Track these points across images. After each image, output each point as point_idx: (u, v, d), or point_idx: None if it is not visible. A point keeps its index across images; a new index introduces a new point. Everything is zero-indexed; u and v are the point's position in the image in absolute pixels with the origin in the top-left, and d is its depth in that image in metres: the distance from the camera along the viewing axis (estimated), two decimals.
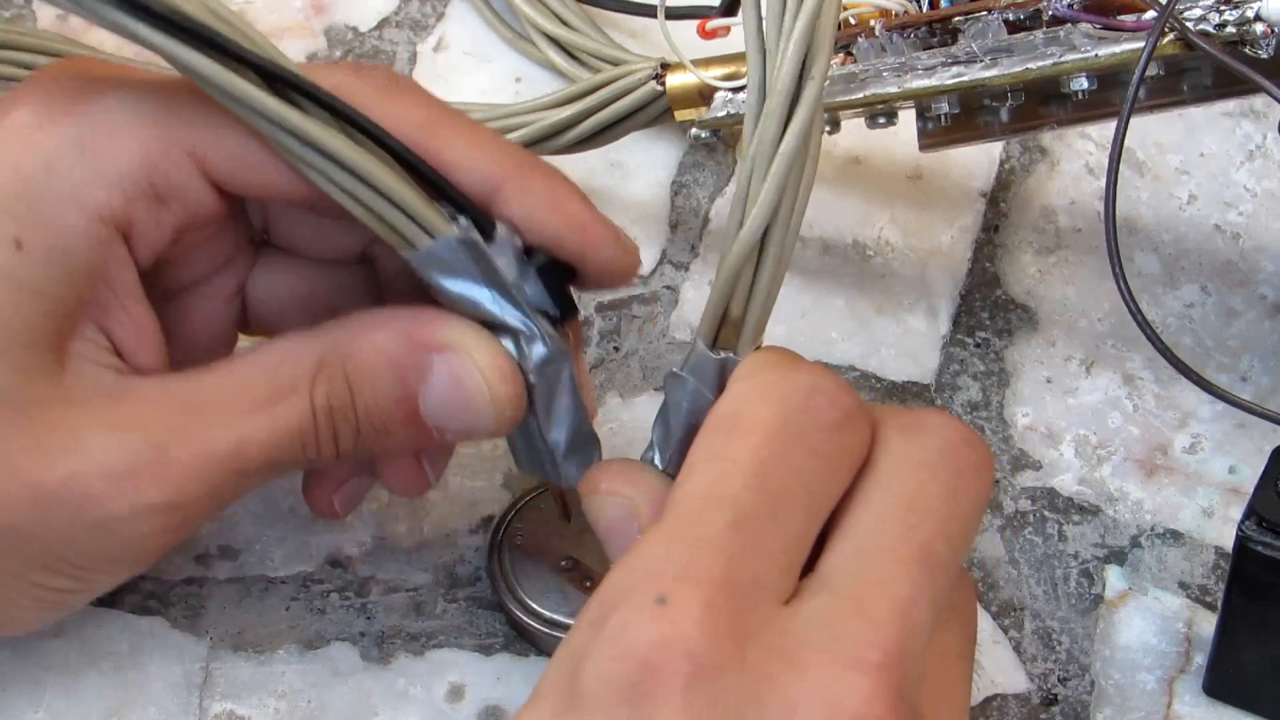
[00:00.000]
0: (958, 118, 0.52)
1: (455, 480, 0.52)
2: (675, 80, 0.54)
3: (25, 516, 0.42)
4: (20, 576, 0.43)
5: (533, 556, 0.50)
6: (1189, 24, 0.48)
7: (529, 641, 0.49)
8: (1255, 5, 0.47)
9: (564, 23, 0.60)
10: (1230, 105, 0.60)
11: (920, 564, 0.38)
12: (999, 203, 0.59)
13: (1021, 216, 0.58)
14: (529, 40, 0.61)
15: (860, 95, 0.51)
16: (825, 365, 0.55)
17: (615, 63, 0.58)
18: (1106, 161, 0.48)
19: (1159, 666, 0.49)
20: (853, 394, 0.41)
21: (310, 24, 0.64)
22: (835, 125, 0.53)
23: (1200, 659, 0.49)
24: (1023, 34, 0.50)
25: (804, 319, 0.56)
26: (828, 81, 0.51)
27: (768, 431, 0.39)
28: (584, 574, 0.49)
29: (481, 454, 0.53)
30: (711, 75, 0.53)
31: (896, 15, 0.51)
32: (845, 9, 0.52)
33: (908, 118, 0.53)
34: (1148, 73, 0.47)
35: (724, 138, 0.58)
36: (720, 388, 0.42)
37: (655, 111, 0.55)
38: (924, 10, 0.51)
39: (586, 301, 0.56)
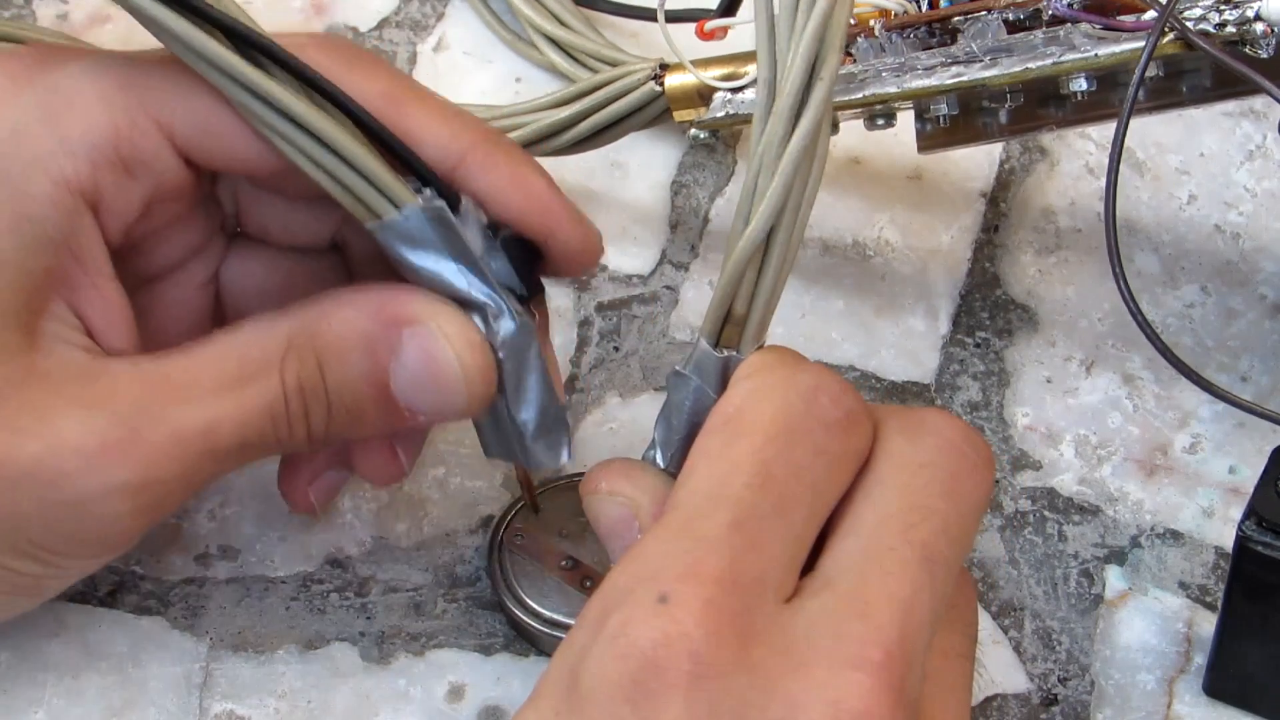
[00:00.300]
0: (956, 119, 0.52)
1: (455, 480, 0.52)
2: (674, 81, 0.54)
3: None
4: None
5: (533, 556, 0.50)
6: (1189, 24, 0.48)
7: (529, 641, 0.49)
8: (1255, 5, 0.47)
9: (563, 24, 0.60)
10: (1230, 105, 0.60)
11: (921, 563, 0.38)
12: (999, 203, 0.59)
13: (1021, 217, 0.58)
14: (528, 41, 0.61)
15: (860, 95, 0.51)
16: (825, 365, 0.55)
17: (614, 63, 0.58)
18: (1106, 162, 0.48)
19: (1159, 666, 0.49)
20: (854, 394, 0.41)
21: (310, 24, 0.64)
22: (835, 126, 0.53)
23: (1200, 659, 0.49)
24: (1022, 34, 0.50)
25: (804, 319, 0.56)
26: None
27: (770, 431, 0.39)
28: (584, 574, 0.49)
29: (481, 453, 0.53)
30: (711, 76, 0.53)
31: (896, 15, 0.51)
32: None
33: (907, 118, 0.53)
34: (1147, 73, 0.47)
35: (723, 138, 0.58)
36: (723, 387, 0.42)
37: (654, 112, 0.55)
38: (923, 10, 0.51)
39: (586, 302, 0.56)
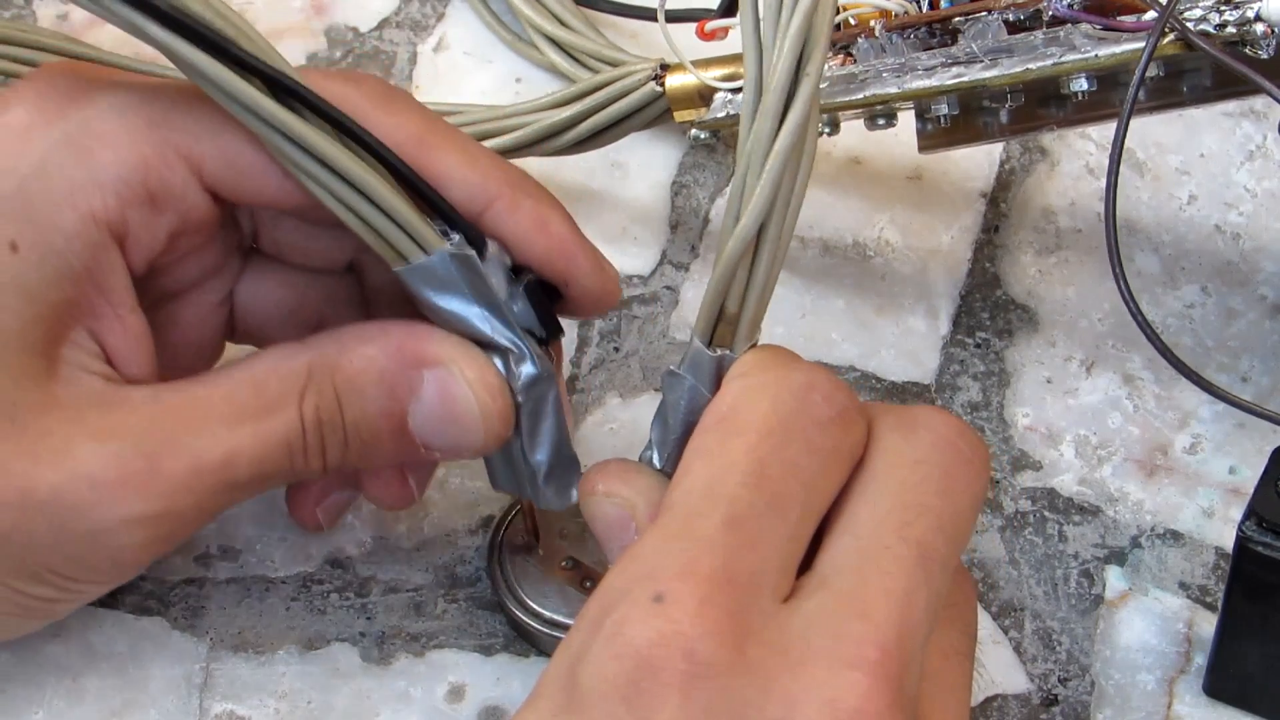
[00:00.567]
0: (957, 119, 0.52)
1: (455, 480, 0.52)
2: (675, 81, 0.54)
3: (12, 523, 0.42)
4: (3, 583, 0.43)
5: (533, 557, 0.50)
6: (1189, 24, 0.48)
7: (529, 642, 0.49)
8: (1255, 5, 0.47)
9: (563, 24, 0.60)
10: (1230, 106, 0.60)
11: (917, 560, 0.38)
12: (999, 203, 0.59)
13: (1021, 217, 0.58)
14: (528, 42, 0.61)
15: (860, 96, 0.51)
16: (825, 365, 0.55)
17: (615, 64, 0.58)
18: (1106, 162, 0.48)
19: (1159, 667, 0.49)
20: (848, 391, 0.41)
21: (310, 24, 0.64)
22: (835, 126, 0.53)
23: (1200, 659, 0.49)
24: (1023, 34, 0.50)
25: (804, 319, 0.56)
26: (827, 83, 0.51)
27: (763, 429, 0.39)
28: (584, 574, 0.49)
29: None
30: (711, 76, 0.53)
31: (896, 16, 0.51)
32: (845, 9, 0.52)
33: (907, 119, 0.53)
34: (1148, 73, 0.47)
35: (724, 138, 0.58)
36: (717, 386, 0.42)
37: (655, 112, 0.55)
38: (924, 11, 0.51)
39: None
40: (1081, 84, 0.49)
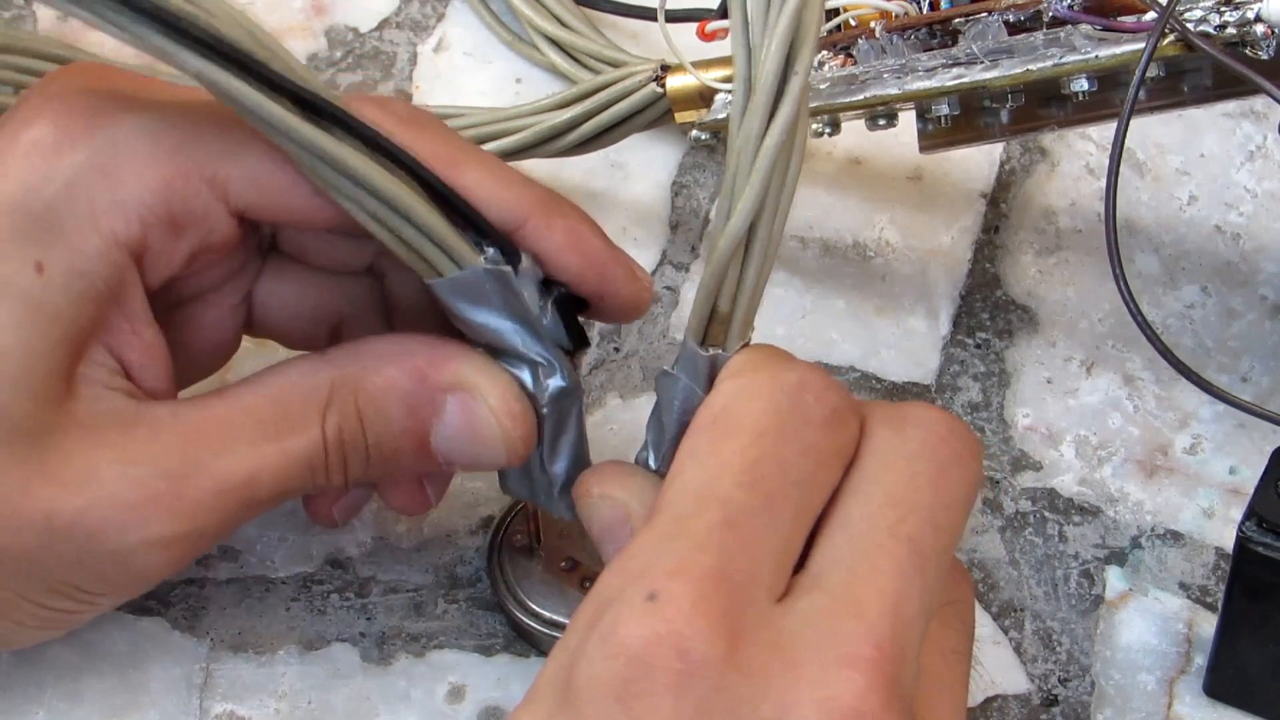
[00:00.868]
0: (958, 119, 0.52)
1: (456, 480, 0.52)
2: (676, 82, 0.54)
3: (36, 543, 0.42)
4: (26, 597, 0.44)
5: (533, 557, 0.50)
6: (1189, 25, 0.48)
7: (529, 642, 0.49)
8: (1255, 6, 0.47)
9: (563, 24, 0.60)
10: (1230, 106, 0.60)
11: (909, 556, 0.38)
12: (999, 203, 0.59)
13: (1022, 217, 0.58)
14: (529, 42, 0.61)
15: (861, 97, 0.51)
16: (826, 366, 0.55)
17: (615, 64, 0.58)
18: (1107, 162, 0.48)
19: (1159, 667, 0.49)
20: (840, 390, 0.41)
21: (310, 25, 0.64)
22: (836, 127, 0.53)
23: (1201, 660, 0.49)
24: (1023, 35, 0.50)
25: (804, 320, 0.56)
26: (828, 83, 0.51)
27: (756, 429, 0.39)
28: (584, 575, 0.49)
29: None
30: (712, 77, 0.53)
31: (897, 17, 0.51)
32: (845, 10, 0.52)
33: (908, 119, 0.53)
34: (1148, 73, 0.47)
35: (724, 139, 0.58)
36: (711, 385, 0.42)
37: (656, 113, 0.55)
38: (924, 12, 0.51)
39: None
40: (1082, 84, 0.49)
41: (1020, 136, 0.53)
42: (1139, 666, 0.49)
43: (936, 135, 0.53)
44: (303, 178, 0.43)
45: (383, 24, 0.64)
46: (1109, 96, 0.51)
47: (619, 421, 0.54)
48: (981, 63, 0.50)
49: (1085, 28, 0.49)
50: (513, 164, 0.55)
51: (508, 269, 0.43)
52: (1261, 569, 0.44)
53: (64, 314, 0.42)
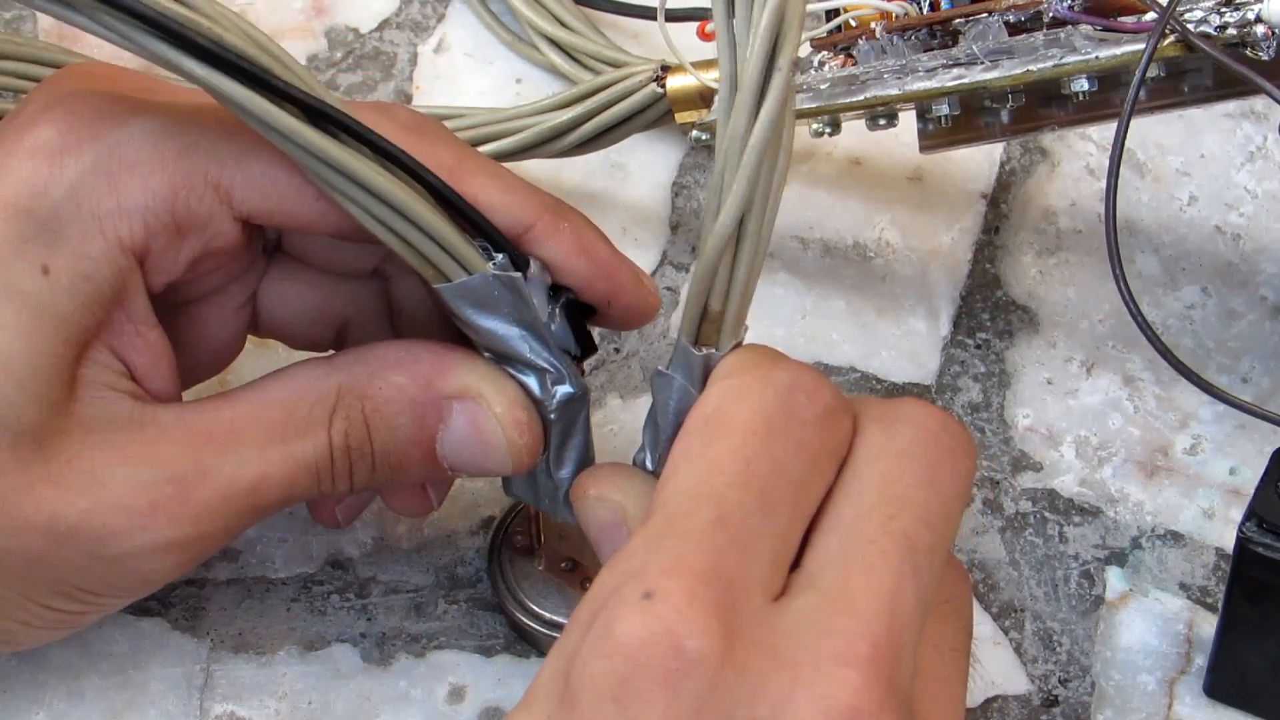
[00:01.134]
0: (958, 119, 0.52)
1: (457, 481, 0.52)
2: (676, 82, 0.54)
3: (42, 547, 0.42)
4: (33, 600, 0.44)
5: (533, 558, 0.50)
6: (1189, 26, 0.48)
7: (529, 643, 0.49)
8: (1256, 7, 0.47)
9: (563, 25, 0.60)
10: (1231, 107, 0.60)
11: (904, 554, 0.38)
12: (999, 204, 0.59)
13: (1022, 218, 0.58)
14: (529, 43, 0.61)
15: (861, 97, 0.51)
16: (826, 367, 0.55)
17: (616, 65, 0.58)
18: (1107, 163, 0.48)
19: (1159, 668, 0.49)
20: (833, 389, 0.41)
21: (311, 25, 0.64)
22: (836, 127, 0.53)
23: (1201, 660, 0.49)
24: (1023, 36, 0.50)
25: (805, 320, 0.56)
26: (828, 84, 0.51)
27: (748, 429, 0.39)
28: (583, 575, 0.49)
29: None
30: (711, 77, 0.53)
31: (897, 18, 0.51)
32: (846, 11, 0.52)
33: (908, 119, 0.53)
34: (1148, 74, 0.47)
35: None
36: (705, 385, 0.42)
37: (656, 114, 0.55)
38: (924, 12, 0.51)
39: None
40: (1082, 84, 0.49)
41: (1020, 137, 0.53)
42: (1139, 667, 0.49)
43: (937, 135, 0.53)
44: (308, 183, 0.43)
45: (383, 24, 0.64)
46: (1109, 97, 0.51)
47: (619, 422, 0.54)
48: (982, 63, 0.50)
49: (1085, 28, 0.49)
50: (513, 164, 0.56)
51: (517, 275, 0.43)
52: (1262, 569, 0.44)
53: (69, 317, 0.42)
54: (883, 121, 0.52)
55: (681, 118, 0.55)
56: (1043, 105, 0.52)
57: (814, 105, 0.52)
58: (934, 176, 0.59)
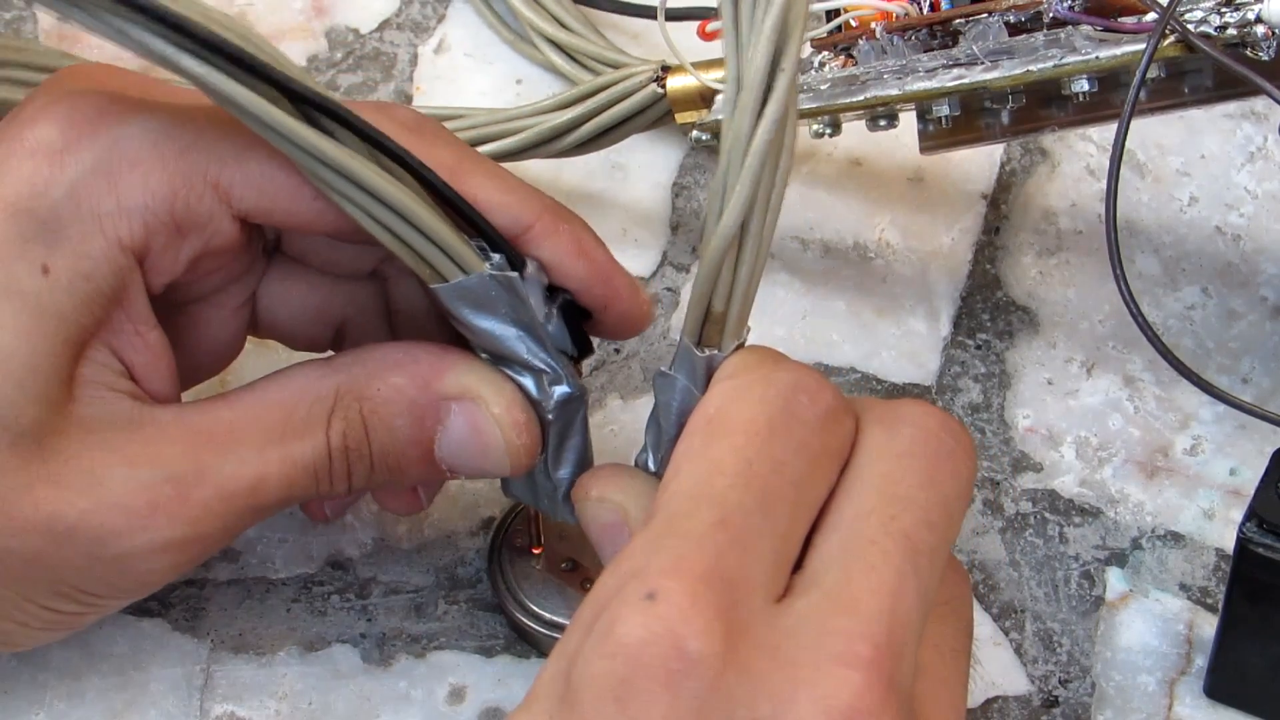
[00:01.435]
0: (958, 119, 0.52)
1: (456, 482, 0.52)
2: (676, 83, 0.54)
3: (41, 547, 0.42)
4: (32, 600, 0.44)
5: (533, 558, 0.50)
6: (1189, 26, 0.48)
7: (530, 643, 0.49)
8: (1256, 7, 0.47)
9: (563, 25, 0.60)
10: (1231, 107, 0.60)
11: (905, 554, 0.38)
12: (1000, 205, 0.59)
13: (1022, 218, 0.58)
14: (529, 43, 0.61)
15: (861, 98, 0.51)
16: (826, 367, 0.55)
17: (616, 65, 0.58)
18: (1107, 163, 0.48)
19: (1160, 668, 0.49)
20: (834, 390, 0.41)
21: (311, 25, 0.64)
22: (836, 127, 0.53)
23: (1201, 661, 0.49)
24: (1023, 36, 0.50)
25: (805, 321, 0.56)
26: (829, 84, 0.51)
27: (750, 430, 0.39)
28: (584, 576, 0.49)
29: None
30: (712, 77, 0.53)
31: (897, 18, 0.51)
32: (846, 11, 0.52)
33: (909, 119, 0.53)
34: (1149, 74, 0.47)
35: None
36: (708, 386, 0.42)
37: (656, 114, 0.55)
38: (925, 13, 0.51)
39: None
40: (1083, 85, 0.49)
41: (1021, 137, 0.53)
42: (1139, 668, 0.49)
43: (937, 136, 0.53)
44: (305, 182, 0.43)
45: (383, 25, 0.64)
46: (1109, 97, 0.51)
47: (620, 423, 0.54)
48: (982, 63, 0.50)
49: (1086, 29, 0.49)
50: (513, 165, 0.56)
51: (514, 274, 0.43)
52: (1262, 570, 0.44)
53: (69, 316, 0.42)
54: (883, 122, 0.52)
55: (682, 118, 0.55)
56: (1043, 106, 0.52)
57: (814, 105, 0.52)
58: (934, 177, 0.59)
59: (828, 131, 0.53)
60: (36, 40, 0.62)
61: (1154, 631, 0.50)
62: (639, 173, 0.60)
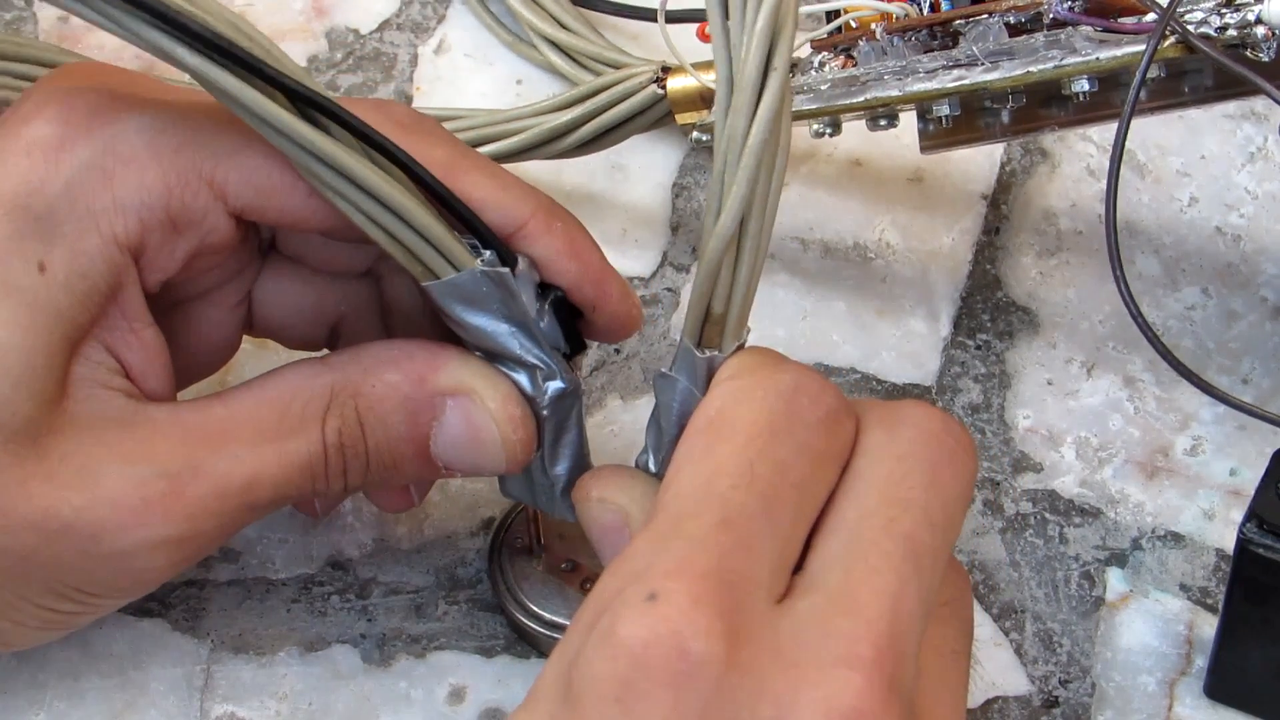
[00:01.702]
0: (959, 119, 0.52)
1: (456, 482, 0.52)
2: (676, 84, 0.54)
3: (36, 544, 0.42)
4: (27, 599, 0.44)
5: (533, 559, 0.50)
6: (1189, 26, 0.48)
7: (530, 644, 0.49)
8: (1256, 8, 0.47)
9: (563, 26, 0.60)
10: (1231, 108, 0.60)
11: (906, 556, 0.38)
12: (1000, 205, 0.59)
13: (1022, 219, 0.58)
14: (529, 43, 0.61)
15: (861, 98, 0.51)
16: (826, 368, 0.55)
17: (616, 66, 0.58)
18: (1107, 164, 0.48)
19: (1160, 669, 0.49)
20: (836, 391, 0.41)
21: (311, 26, 0.64)
22: (836, 128, 0.53)
23: (1201, 661, 0.49)
24: (1023, 37, 0.50)
25: (805, 321, 0.56)
26: (829, 85, 0.51)
27: (751, 431, 0.39)
28: (584, 576, 0.49)
29: None
30: (712, 79, 0.53)
31: (897, 19, 0.51)
32: (846, 12, 0.52)
33: (909, 119, 0.53)
34: (1149, 74, 0.47)
35: None
36: (708, 387, 0.42)
37: (656, 115, 0.55)
38: (925, 14, 0.51)
39: None
40: (1083, 85, 0.49)
41: (1021, 137, 0.53)
42: (1139, 668, 0.49)
43: (937, 136, 0.53)
44: (301, 180, 0.43)
45: (383, 25, 0.64)
46: (1110, 97, 0.51)
47: (620, 423, 0.54)
48: (982, 64, 0.50)
49: (1086, 29, 0.49)
50: (513, 165, 0.56)
51: (505, 270, 0.43)
52: (1262, 571, 0.44)
53: (64, 314, 0.42)
54: (883, 122, 0.52)
55: (682, 119, 0.55)
56: (1043, 106, 0.52)
57: (814, 106, 0.52)
58: (934, 177, 0.59)
59: (828, 131, 0.53)
60: (36, 39, 0.62)
61: (1154, 632, 0.50)
62: (639, 173, 0.60)
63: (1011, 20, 0.50)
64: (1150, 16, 0.48)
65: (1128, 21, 0.49)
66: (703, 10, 0.54)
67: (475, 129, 0.57)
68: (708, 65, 0.54)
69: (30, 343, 0.42)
